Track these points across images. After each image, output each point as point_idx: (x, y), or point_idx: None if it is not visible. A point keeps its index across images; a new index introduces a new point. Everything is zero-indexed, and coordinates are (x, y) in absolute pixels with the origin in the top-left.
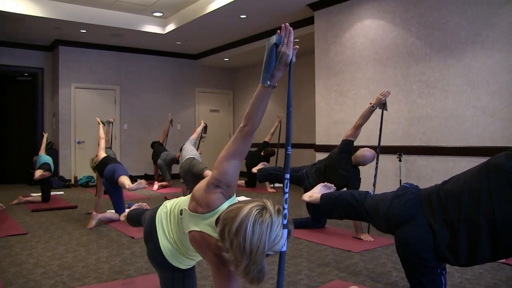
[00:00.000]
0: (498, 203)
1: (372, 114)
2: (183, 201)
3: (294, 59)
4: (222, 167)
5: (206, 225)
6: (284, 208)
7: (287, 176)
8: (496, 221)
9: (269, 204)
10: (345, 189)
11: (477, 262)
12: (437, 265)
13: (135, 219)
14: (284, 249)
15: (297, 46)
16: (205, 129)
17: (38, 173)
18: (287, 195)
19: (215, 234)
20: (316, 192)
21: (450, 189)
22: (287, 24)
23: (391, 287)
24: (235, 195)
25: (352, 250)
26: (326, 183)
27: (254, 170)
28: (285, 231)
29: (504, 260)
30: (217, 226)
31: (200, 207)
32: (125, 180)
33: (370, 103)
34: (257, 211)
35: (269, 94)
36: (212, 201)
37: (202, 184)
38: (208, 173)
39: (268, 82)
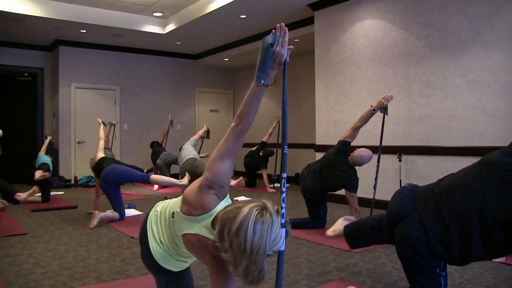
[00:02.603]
0: (489, 200)
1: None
2: (173, 203)
3: (288, 59)
4: (214, 167)
5: (201, 227)
6: (281, 208)
7: (284, 175)
8: (487, 218)
9: (269, 204)
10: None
11: (471, 259)
12: (435, 263)
13: None
14: (283, 248)
15: (291, 46)
16: (207, 133)
17: (38, 173)
18: (284, 194)
19: (211, 236)
20: (338, 225)
21: (445, 185)
22: (282, 24)
23: (391, 287)
24: (228, 195)
25: (352, 250)
26: (346, 216)
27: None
28: (283, 230)
29: (504, 260)
30: (213, 227)
31: (195, 210)
32: (163, 178)
33: (372, 106)
34: (257, 211)
35: (262, 93)
36: (206, 202)
37: (193, 186)
38: None
39: (262, 81)
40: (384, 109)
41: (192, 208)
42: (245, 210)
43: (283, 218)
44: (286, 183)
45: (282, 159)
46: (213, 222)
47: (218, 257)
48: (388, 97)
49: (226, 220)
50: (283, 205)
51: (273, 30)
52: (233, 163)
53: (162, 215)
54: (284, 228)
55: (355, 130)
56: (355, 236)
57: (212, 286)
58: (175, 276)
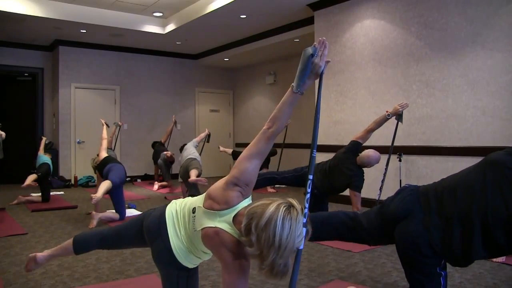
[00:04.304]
0: (491, 199)
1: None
2: (194, 200)
3: (324, 71)
4: (243, 166)
5: (222, 222)
6: (305, 207)
7: (310, 177)
8: (488, 217)
9: (295, 203)
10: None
11: (472, 258)
12: (436, 262)
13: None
14: (301, 247)
15: (329, 60)
16: (208, 137)
17: (28, 180)
18: (308, 195)
19: (231, 231)
20: None
21: (447, 185)
22: (323, 38)
23: (391, 287)
24: (251, 196)
25: (352, 250)
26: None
27: None
28: (304, 229)
29: (504, 260)
30: (234, 223)
31: (217, 204)
32: (102, 187)
33: (387, 111)
34: (285, 207)
35: (296, 100)
36: (231, 198)
37: (219, 183)
38: (193, 173)
39: (299, 89)
40: (399, 116)
41: (215, 203)
42: (273, 206)
43: (305, 218)
44: (287, 184)
45: (310, 162)
46: (235, 218)
47: (233, 252)
48: (403, 105)
49: (253, 215)
50: (306, 205)
51: (315, 43)
52: (261, 164)
53: (182, 211)
54: (305, 228)
55: (368, 132)
56: (320, 227)
57: (224, 280)
58: (187, 273)
